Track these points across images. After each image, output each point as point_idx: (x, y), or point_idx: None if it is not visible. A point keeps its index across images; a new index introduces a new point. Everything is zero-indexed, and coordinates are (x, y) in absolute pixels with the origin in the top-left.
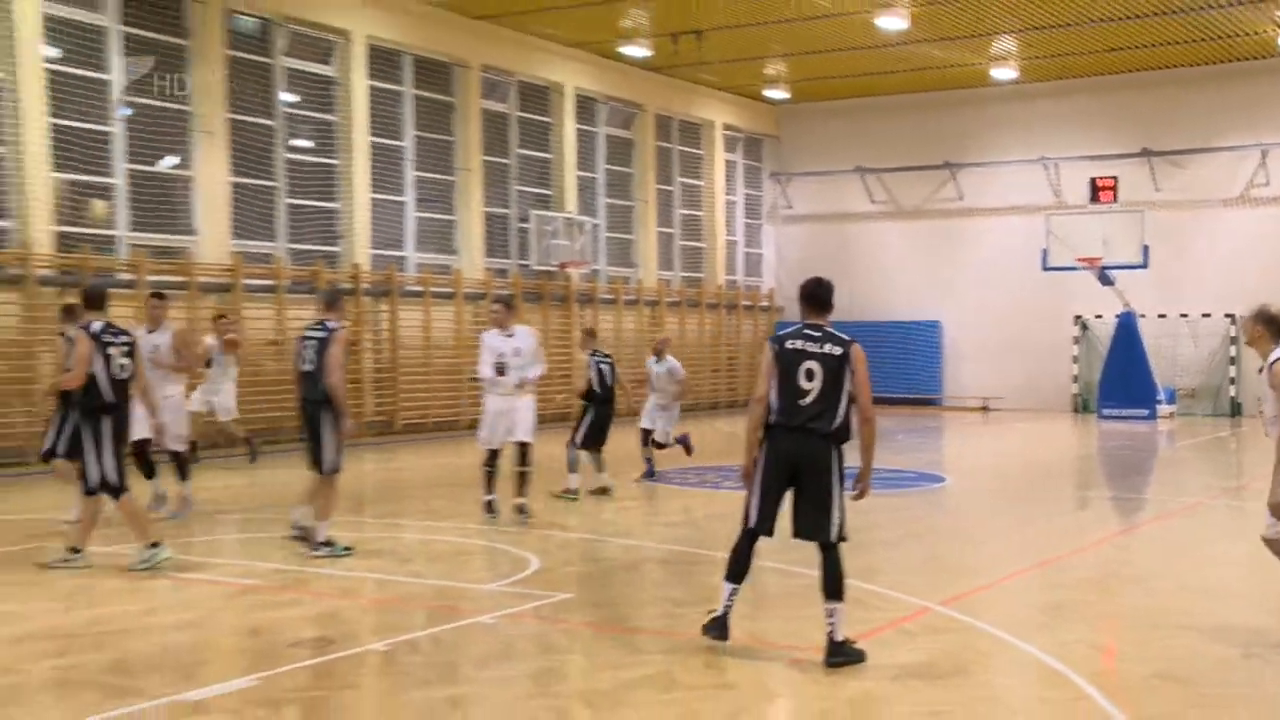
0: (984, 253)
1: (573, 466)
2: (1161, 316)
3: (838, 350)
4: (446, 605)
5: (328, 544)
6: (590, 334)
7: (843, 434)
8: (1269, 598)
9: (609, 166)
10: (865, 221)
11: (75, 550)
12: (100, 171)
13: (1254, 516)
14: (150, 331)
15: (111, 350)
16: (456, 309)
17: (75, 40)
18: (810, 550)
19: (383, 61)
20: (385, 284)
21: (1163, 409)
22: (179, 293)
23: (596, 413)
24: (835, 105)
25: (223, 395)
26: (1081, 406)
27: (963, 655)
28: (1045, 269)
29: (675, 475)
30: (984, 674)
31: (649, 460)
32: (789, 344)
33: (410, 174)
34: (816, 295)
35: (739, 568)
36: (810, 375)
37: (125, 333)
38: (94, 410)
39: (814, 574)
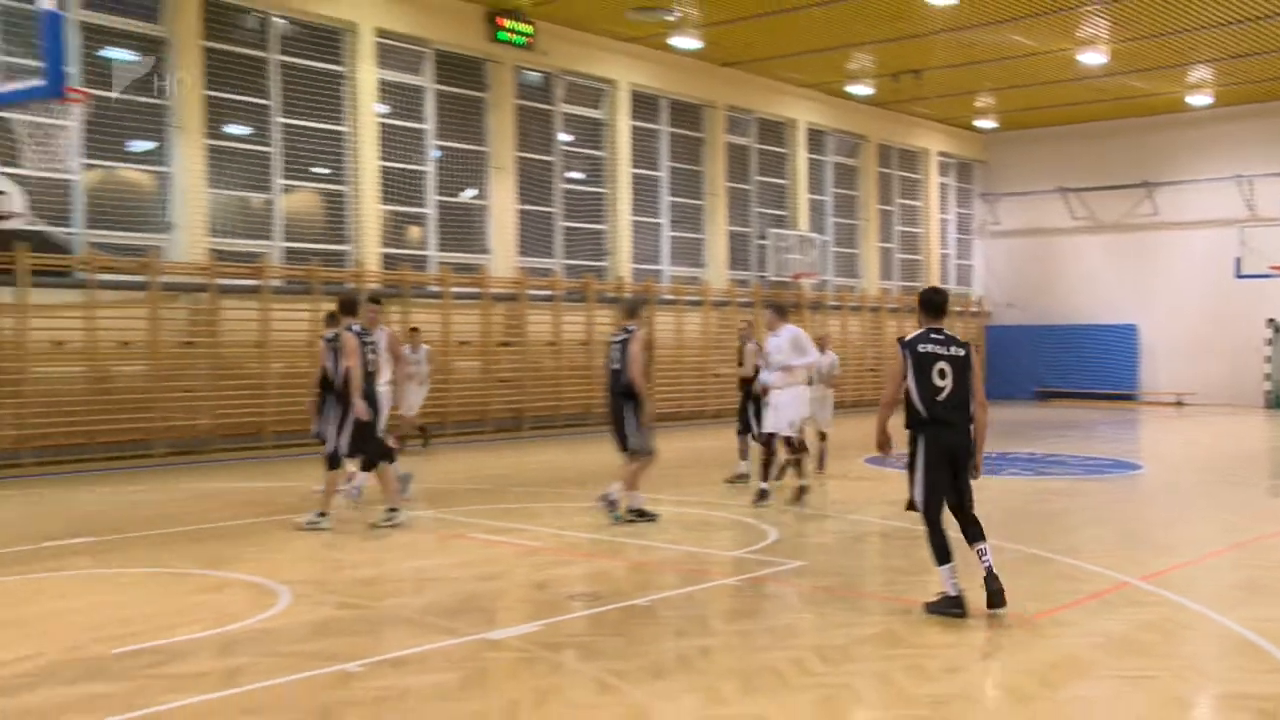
0: (1178, 262)
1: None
2: None
3: (961, 351)
4: (698, 568)
5: (638, 511)
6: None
7: (970, 423)
8: None
9: (836, 190)
10: (1066, 236)
11: (322, 514)
12: (416, 203)
13: None
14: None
15: (366, 348)
16: (704, 314)
17: (399, 98)
18: (1019, 527)
19: (643, 105)
20: (644, 293)
21: None
22: (475, 302)
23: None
24: (1039, 132)
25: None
26: (1274, 403)
27: (1162, 626)
28: (1238, 276)
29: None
30: (1182, 644)
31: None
32: (921, 347)
33: (665, 199)
34: (934, 302)
35: (944, 549)
36: (943, 374)
37: (370, 334)
38: (343, 397)
39: (1022, 548)
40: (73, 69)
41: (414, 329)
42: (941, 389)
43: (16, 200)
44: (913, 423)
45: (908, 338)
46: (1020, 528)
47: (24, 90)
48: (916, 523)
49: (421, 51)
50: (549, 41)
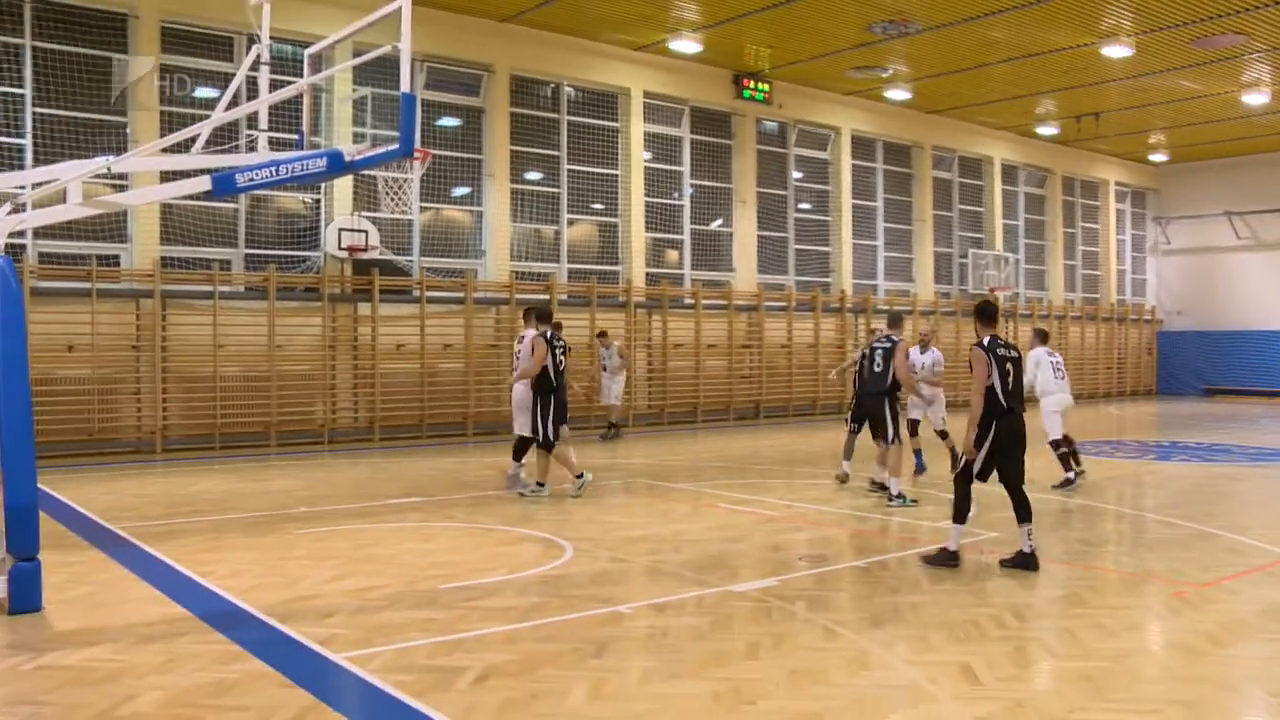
0: None
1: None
2: None
3: (1015, 354)
4: (908, 537)
5: (900, 497)
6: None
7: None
8: None
9: (1026, 215)
10: (1231, 253)
11: (540, 484)
12: (674, 231)
13: None
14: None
15: (557, 350)
16: (914, 321)
17: (661, 146)
18: (1190, 508)
19: (862, 146)
20: (862, 304)
21: None
22: (721, 312)
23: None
24: (1206, 164)
25: (614, 389)
26: None
27: None
28: None
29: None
30: None
31: (918, 452)
32: (999, 351)
33: (880, 225)
34: (987, 311)
35: (965, 508)
36: (1007, 372)
37: (562, 339)
38: (546, 391)
39: (1193, 525)
40: (417, 134)
41: (602, 332)
42: (1010, 385)
43: (374, 236)
44: (992, 412)
45: (989, 344)
46: (1190, 508)
47: (384, 153)
48: (1097, 500)
49: (680, 108)
50: (784, 96)
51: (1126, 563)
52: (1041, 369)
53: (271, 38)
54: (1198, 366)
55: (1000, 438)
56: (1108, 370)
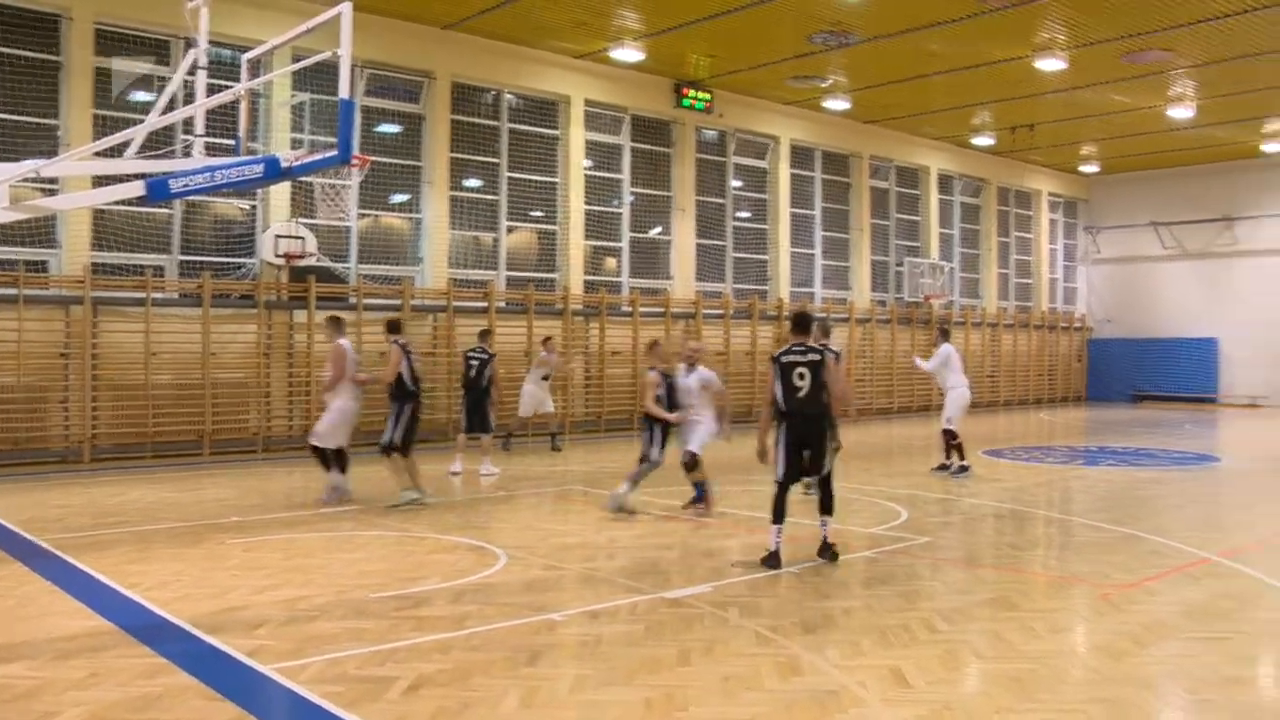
0: (1253, 285)
1: None
2: None
3: (815, 356)
4: (840, 542)
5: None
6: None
7: (828, 413)
8: None
9: (962, 224)
10: (1157, 263)
11: (414, 492)
12: (612, 238)
13: None
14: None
15: (413, 358)
16: (850, 330)
17: (601, 154)
18: (1115, 511)
19: (800, 156)
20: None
21: None
22: (658, 319)
23: None
24: (1134, 175)
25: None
26: None
27: (1238, 596)
28: None
29: (1009, 452)
30: (1255, 611)
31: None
32: (783, 360)
33: (818, 234)
34: (798, 321)
35: (781, 512)
36: (801, 377)
37: (484, 348)
38: (402, 399)
39: (1118, 529)
40: (356, 141)
41: (547, 338)
42: (800, 389)
43: (311, 243)
44: (778, 415)
45: (779, 352)
46: (1116, 511)
47: (322, 159)
48: (1026, 505)
49: (620, 116)
50: (723, 105)
51: (1054, 566)
52: (950, 365)
53: (209, 42)
54: (1126, 373)
55: (788, 439)
56: (1039, 377)
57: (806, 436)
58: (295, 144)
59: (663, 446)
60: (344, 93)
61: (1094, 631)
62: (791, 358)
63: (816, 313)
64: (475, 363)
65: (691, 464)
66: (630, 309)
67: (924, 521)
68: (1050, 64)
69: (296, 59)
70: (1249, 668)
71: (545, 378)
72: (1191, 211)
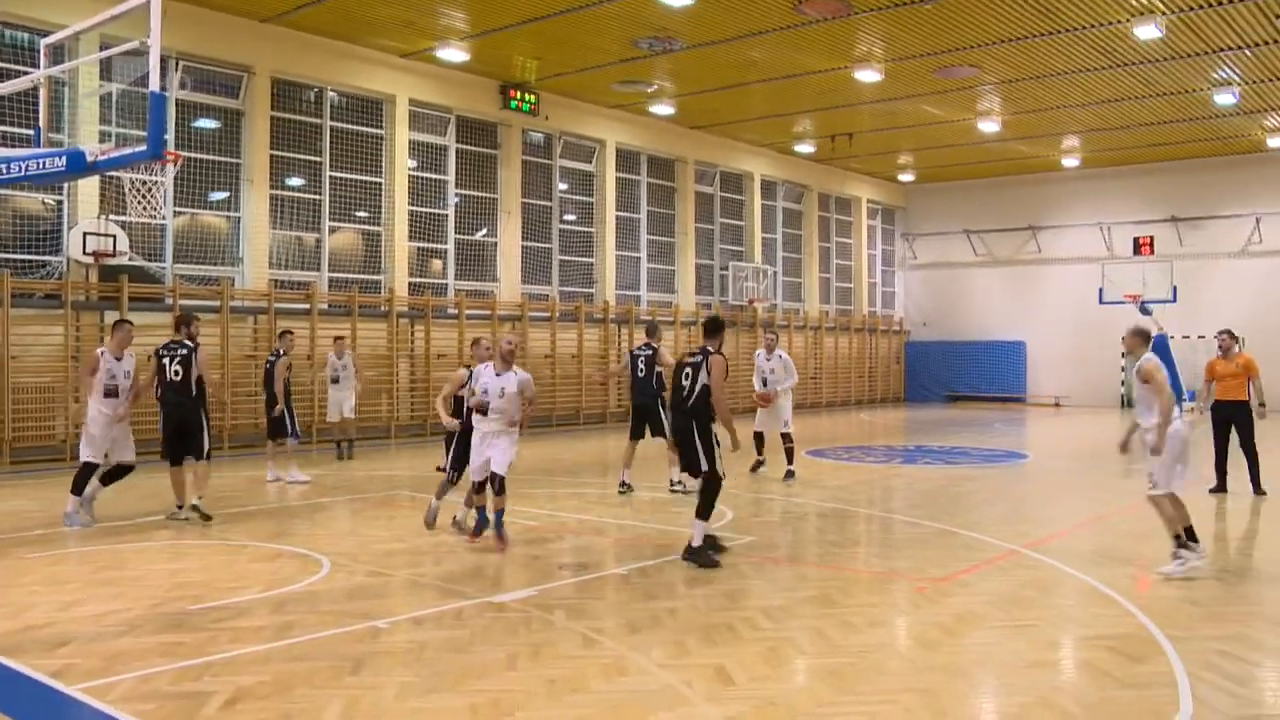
0: (1056, 291)
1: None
2: (1185, 337)
3: (699, 359)
4: (666, 543)
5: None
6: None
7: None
8: (1263, 538)
9: (784, 230)
10: (969, 268)
11: (182, 505)
12: (438, 240)
13: (1244, 482)
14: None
15: (164, 360)
16: (675, 332)
17: (427, 155)
18: (931, 508)
19: (626, 160)
20: (625, 315)
21: (1186, 405)
22: (485, 321)
23: None
24: (948, 184)
25: (347, 403)
26: (1127, 403)
27: (1041, 584)
28: (1101, 303)
29: (831, 452)
30: (1056, 598)
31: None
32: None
33: (644, 237)
34: (708, 327)
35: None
36: (686, 376)
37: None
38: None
39: (933, 524)
40: (169, 136)
41: (338, 337)
42: (684, 386)
43: (122, 241)
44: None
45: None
46: (932, 508)
47: (131, 154)
48: (845, 504)
49: (446, 117)
50: (550, 108)
51: (873, 562)
52: (790, 368)
53: (3, 23)
54: (941, 375)
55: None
56: (860, 379)
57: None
58: (103, 137)
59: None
60: (154, 85)
61: (910, 624)
62: (686, 359)
63: (643, 315)
64: (268, 365)
65: (500, 488)
66: (456, 311)
67: (748, 521)
68: (867, 75)
69: (104, 47)
70: (1050, 652)
71: (335, 380)
72: (1000, 220)
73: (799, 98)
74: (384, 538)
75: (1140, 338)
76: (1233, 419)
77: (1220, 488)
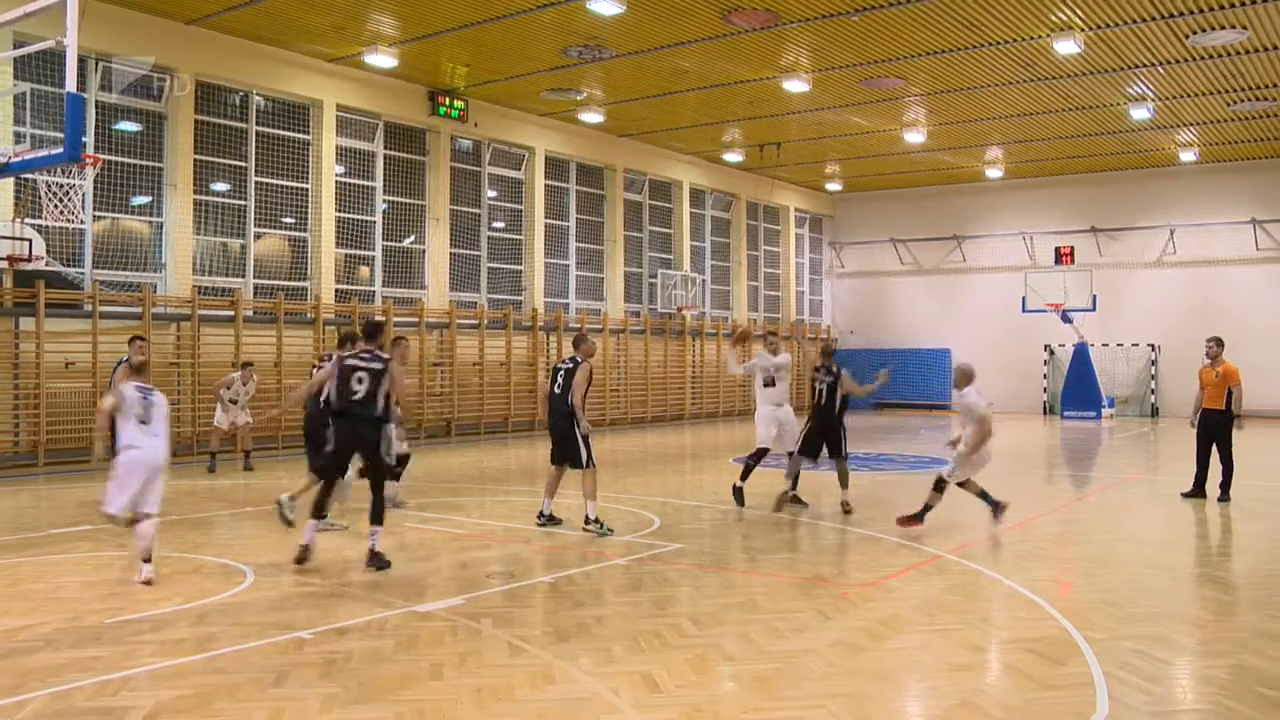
0: (980, 299)
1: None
2: (1105, 345)
3: (378, 365)
4: (594, 551)
5: (596, 522)
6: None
7: (384, 417)
8: (1180, 543)
9: (713, 238)
10: (896, 277)
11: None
12: (366, 247)
13: (1165, 487)
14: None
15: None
16: (604, 340)
17: (354, 161)
18: (858, 514)
19: (555, 167)
20: (554, 322)
21: (1106, 411)
22: (413, 329)
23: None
24: (875, 194)
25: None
26: (1049, 409)
27: (964, 589)
28: (1024, 311)
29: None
30: (979, 602)
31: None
32: (347, 361)
33: (573, 245)
34: (367, 331)
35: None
36: (360, 380)
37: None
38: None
39: (860, 530)
40: (88, 139)
41: (247, 363)
42: (357, 391)
43: (39, 246)
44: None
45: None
46: (858, 513)
47: (45, 157)
48: (769, 508)
49: (374, 123)
50: (479, 115)
51: (800, 568)
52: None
53: None
54: (868, 381)
55: (337, 436)
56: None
57: (353, 439)
58: (17, 138)
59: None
60: (70, 85)
61: (835, 629)
62: (354, 361)
63: (571, 323)
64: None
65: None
66: (384, 319)
67: (676, 528)
68: (795, 86)
69: (18, 45)
70: (973, 655)
71: (234, 402)
72: (926, 230)
73: (728, 107)
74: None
75: (958, 373)
76: (1211, 427)
77: (1196, 493)
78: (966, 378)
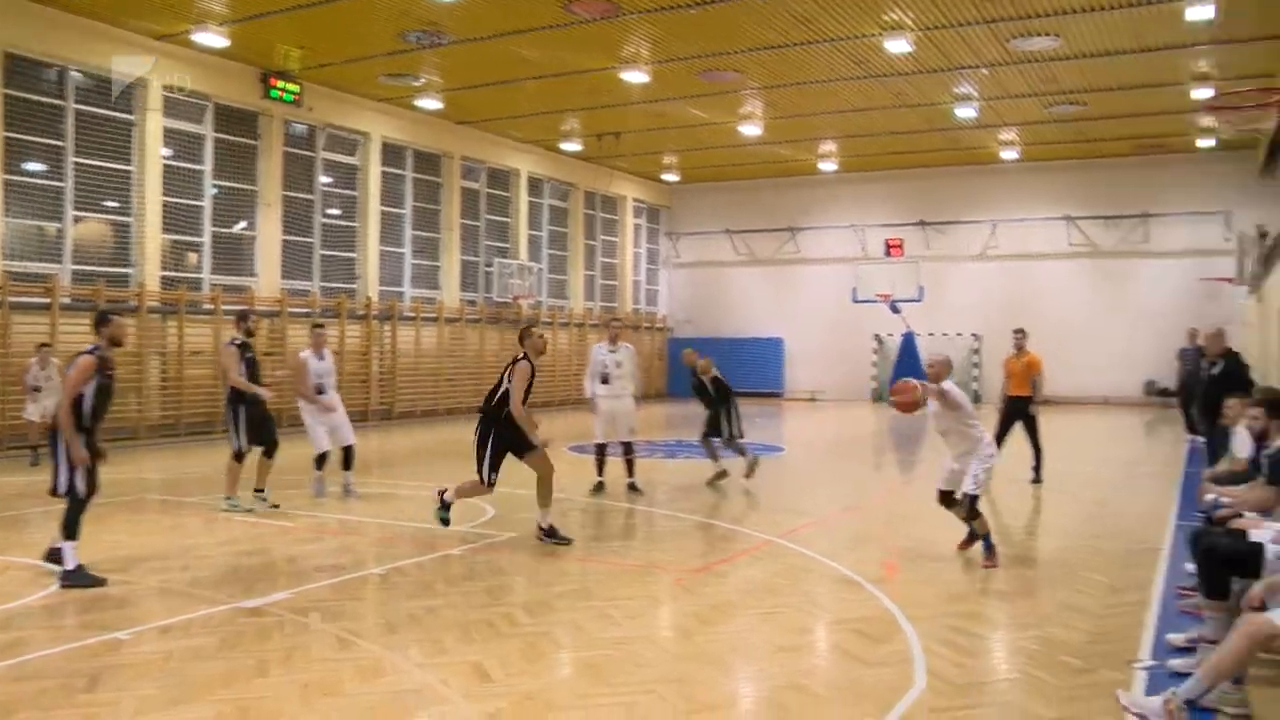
0: (813, 290)
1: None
2: (930, 334)
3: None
4: (427, 541)
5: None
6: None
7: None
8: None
9: (550, 227)
10: (731, 268)
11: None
12: (194, 233)
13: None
14: (319, 358)
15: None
16: (439, 329)
17: (182, 143)
18: (691, 501)
19: (391, 154)
20: (389, 311)
21: None
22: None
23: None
24: (711, 185)
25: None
26: (878, 397)
27: (792, 573)
28: (854, 301)
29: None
30: (807, 585)
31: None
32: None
33: (409, 233)
34: (95, 320)
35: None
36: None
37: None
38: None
39: (693, 518)
40: None
41: (43, 345)
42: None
43: None
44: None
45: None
46: (691, 501)
47: None
48: (608, 498)
49: (203, 105)
50: (314, 99)
51: (634, 555)
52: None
53: None
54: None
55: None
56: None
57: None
58: None
59: (247, 432)
60: None
61: (667, 615)
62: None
63: (406, 312)
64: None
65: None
66: (212, 306)
67: (510, 517)
68: (634, 76)
69: None
70: (800, 637)
71: (36, 389)
72: (761, 221)
73: (567, 96)
74: (129, 543)
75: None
76: (1019, 413)
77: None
78: (948, 368)
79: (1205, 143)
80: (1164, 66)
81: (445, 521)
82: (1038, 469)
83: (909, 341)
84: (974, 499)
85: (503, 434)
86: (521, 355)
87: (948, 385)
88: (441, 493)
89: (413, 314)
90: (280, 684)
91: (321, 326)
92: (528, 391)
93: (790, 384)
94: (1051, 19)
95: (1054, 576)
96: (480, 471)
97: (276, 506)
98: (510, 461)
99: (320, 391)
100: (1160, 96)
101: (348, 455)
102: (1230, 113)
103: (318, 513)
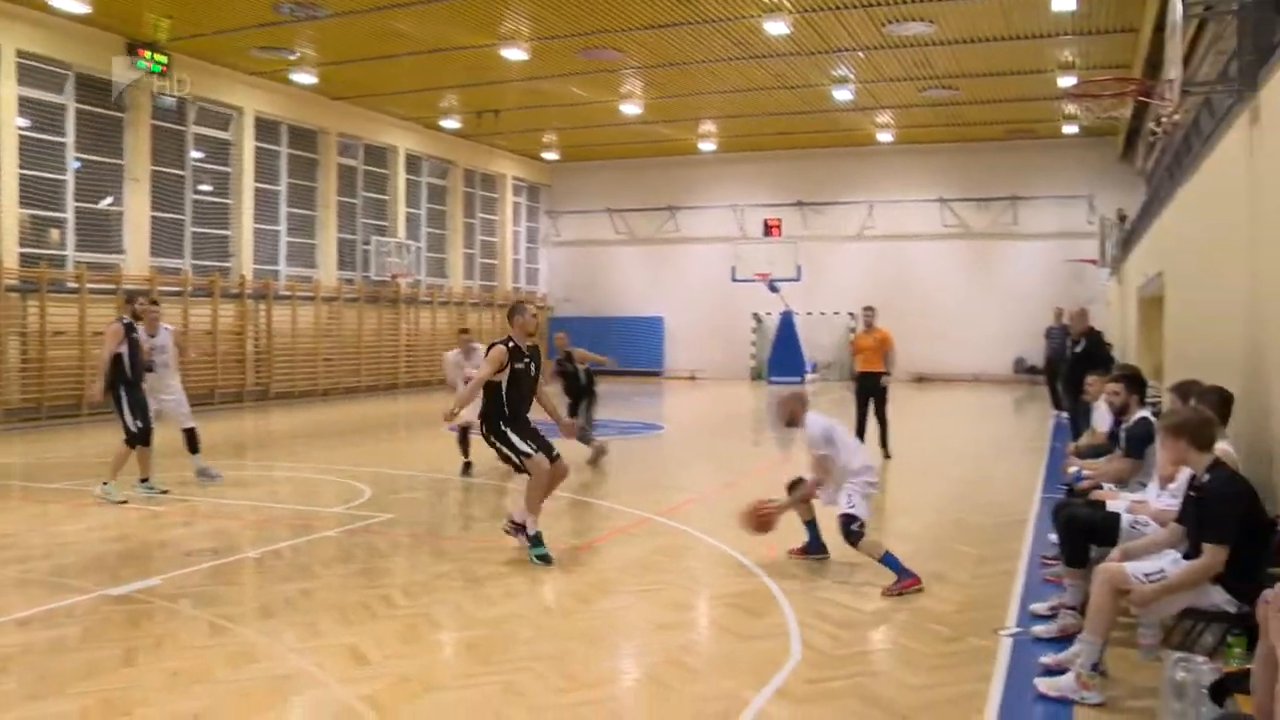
0: (693, 269)
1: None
2: (809, 314)
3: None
4: (302, 523)
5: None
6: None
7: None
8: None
9: (429, 205)
10: (611, 246)
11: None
12: (56, 208)
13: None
14: (151, 335)
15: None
16: (316, 308)
17: (41, 114)
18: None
19: (266, 129)
20: (264, 290)
21: (809, 376)
22: (110, 297)
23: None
24: (591, 164)
25: None
26: (756, 375)
27: (671, 550)
28: (733, 281)
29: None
30: (685, 562)
31: None
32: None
33: (284, 210)
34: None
35: None
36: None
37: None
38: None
39: (571, 496)
40: None
41: None
42: None
43: None
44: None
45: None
46: (571, 479)
47: None
48: (486, 478)
49: (64, 74)
50: (184, 71)
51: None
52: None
53: None
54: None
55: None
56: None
57: None
58: None
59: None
60: None
61: (545, 593)
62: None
63: (281, 290)
64: None
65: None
66: (77, 285)
67: (387, 498)
68: (514, 53)
69: None
70: (678, 613)
71: None
72: (642, 200)
73: (446, 73)
74: None
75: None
76: (871, 389)
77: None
78: (802, 404)
79: (1070, 129)
80: (1031, 54)
81: (546, 559)
82: (885, 443)
83: (787, 320)
84: (848, 520)
85: (504, 420)
86: (506, 338)
87: (816, 431)
88: (517, 527)
89: (289, 293)
90: (148, 673)
91: (156, 303)
92: (535, 379)
93: (670, 363)
94: (925, 4)
95: (925, 549)
96: (523, 463)
97: (166, 492)
98: (386, 441)
99: (149, 369)
100: (1028, 83)
101: (190, 439)
102: (1091, 100)
103: (190, 497)
